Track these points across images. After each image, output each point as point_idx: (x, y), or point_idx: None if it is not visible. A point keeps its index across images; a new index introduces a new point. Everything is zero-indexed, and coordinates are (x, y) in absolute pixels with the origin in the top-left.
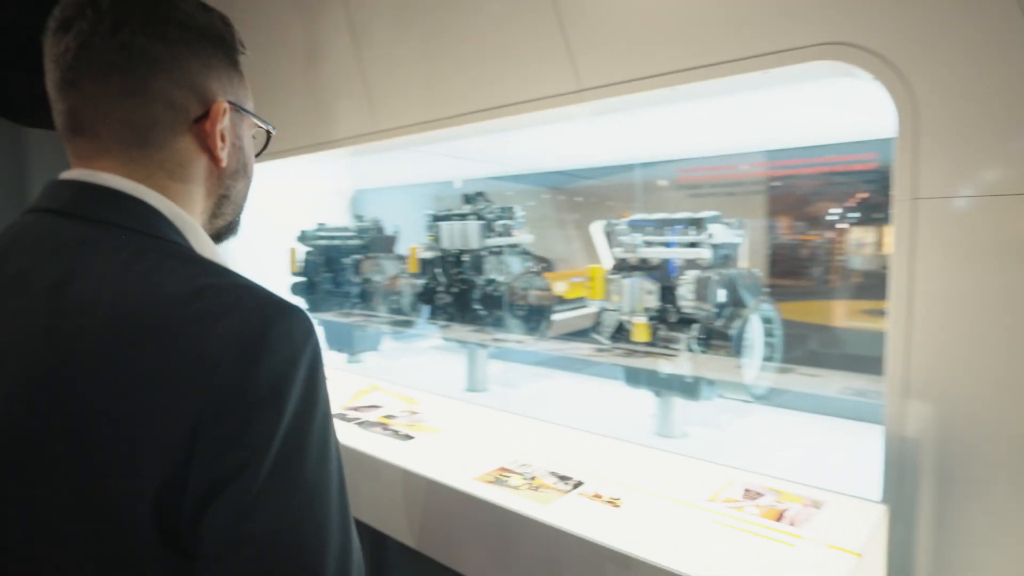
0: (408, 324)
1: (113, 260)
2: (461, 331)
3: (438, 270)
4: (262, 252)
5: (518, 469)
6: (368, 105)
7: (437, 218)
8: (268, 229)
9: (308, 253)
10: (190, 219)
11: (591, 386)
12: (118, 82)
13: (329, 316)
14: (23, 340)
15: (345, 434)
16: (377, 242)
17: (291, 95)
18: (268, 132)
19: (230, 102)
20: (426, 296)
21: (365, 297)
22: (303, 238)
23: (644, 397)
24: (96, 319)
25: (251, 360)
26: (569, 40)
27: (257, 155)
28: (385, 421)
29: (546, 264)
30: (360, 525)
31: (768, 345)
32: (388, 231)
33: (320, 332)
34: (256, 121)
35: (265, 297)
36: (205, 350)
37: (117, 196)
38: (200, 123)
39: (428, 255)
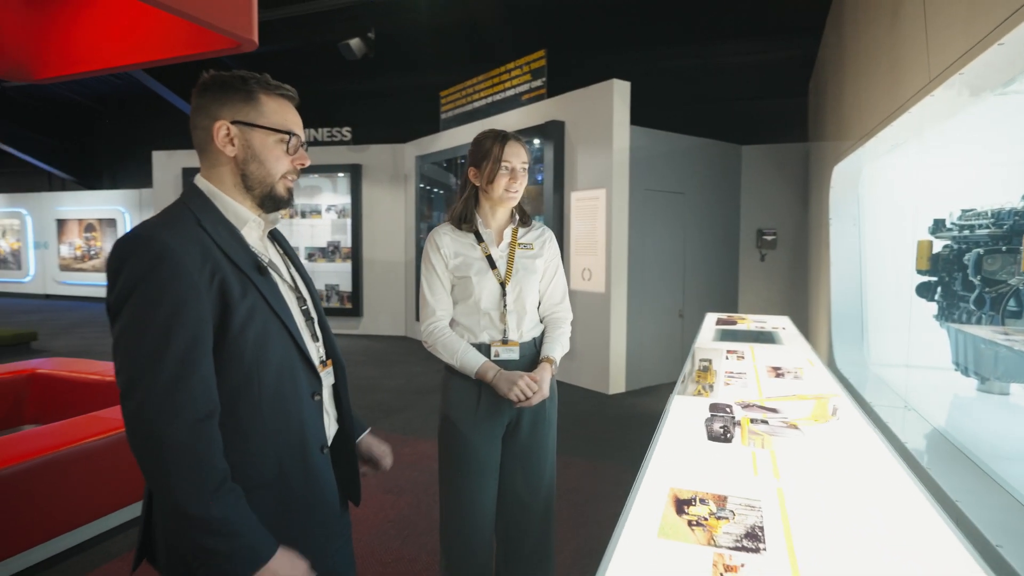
0: None
1: None
2: None
3: None
4: (893, 245)
5: (737, 506)
6: (924, 53)
7: None
8: (903, 220)
9: (945, 247)
10: (217, 191)
11: None
12: (191, 124)
13: (970, 328)
14: None
15: (689, 418)
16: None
17: (872, 66)
18: (286, 132)
19: (236, 120)
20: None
21: (981, 303)
22: (936, 229)
23: None
24: None
25: (110, 258)
26: None
27: (293, 151)
28: (744, 422)
29: None
30: None
31: None
32: None
33: (947, 344)
34: (266, 132)
35: (136, 232)
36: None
37: (188, 182)
38: (216, 134)
39: None
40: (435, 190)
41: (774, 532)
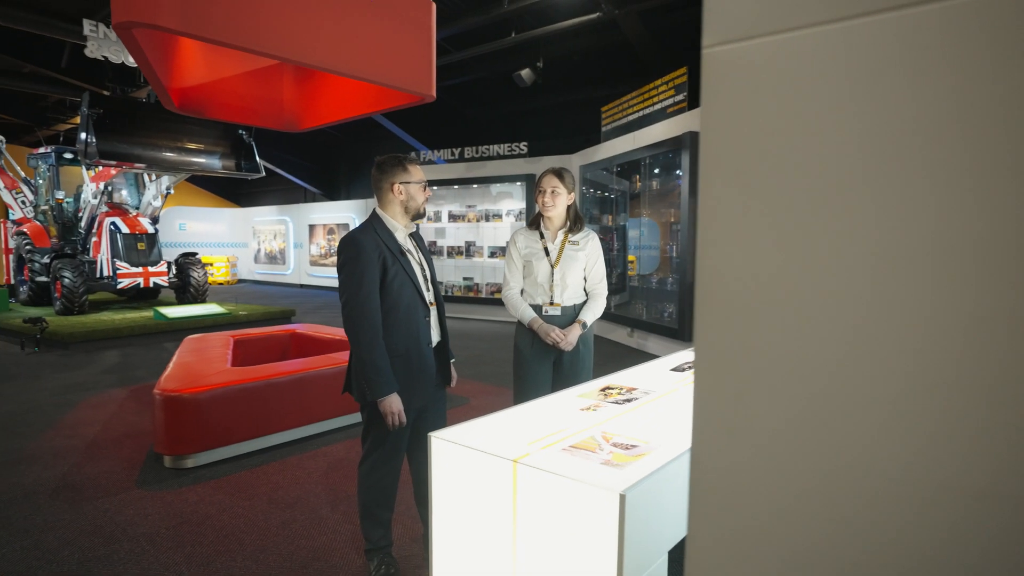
0: None
1: None
2: None
3: None
4: None
5: (636, 391)
6: None
7: None
8: None
9: None
10: (384, 214)
11: None
12: (374, 183)
13: None
14: None
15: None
16: None
17: None
18: (421, 183)
19: (401, 181)
20: None
21: None
22: None
23: None
24: None
25: (339, 244)
26: None
27: (425, 190)
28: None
29: None
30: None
31: None
32: None
33: None
34: (415, 184)
35: (349, 234)
36: None
37: (373, 211)
38: (392, 189)
39: None
40: (603, 193)
41: (641, 401)
